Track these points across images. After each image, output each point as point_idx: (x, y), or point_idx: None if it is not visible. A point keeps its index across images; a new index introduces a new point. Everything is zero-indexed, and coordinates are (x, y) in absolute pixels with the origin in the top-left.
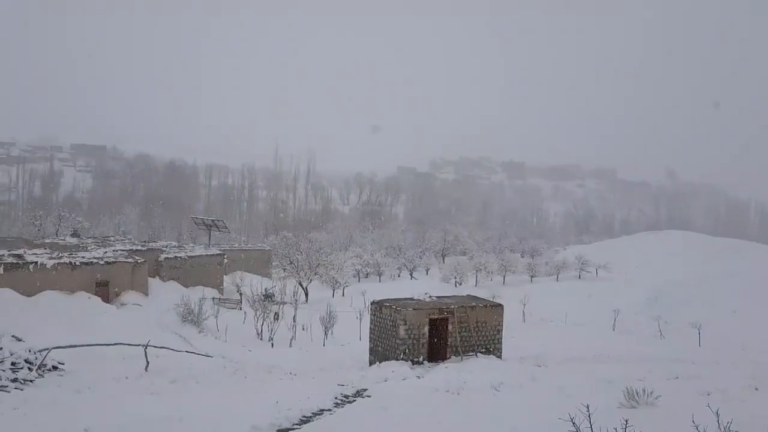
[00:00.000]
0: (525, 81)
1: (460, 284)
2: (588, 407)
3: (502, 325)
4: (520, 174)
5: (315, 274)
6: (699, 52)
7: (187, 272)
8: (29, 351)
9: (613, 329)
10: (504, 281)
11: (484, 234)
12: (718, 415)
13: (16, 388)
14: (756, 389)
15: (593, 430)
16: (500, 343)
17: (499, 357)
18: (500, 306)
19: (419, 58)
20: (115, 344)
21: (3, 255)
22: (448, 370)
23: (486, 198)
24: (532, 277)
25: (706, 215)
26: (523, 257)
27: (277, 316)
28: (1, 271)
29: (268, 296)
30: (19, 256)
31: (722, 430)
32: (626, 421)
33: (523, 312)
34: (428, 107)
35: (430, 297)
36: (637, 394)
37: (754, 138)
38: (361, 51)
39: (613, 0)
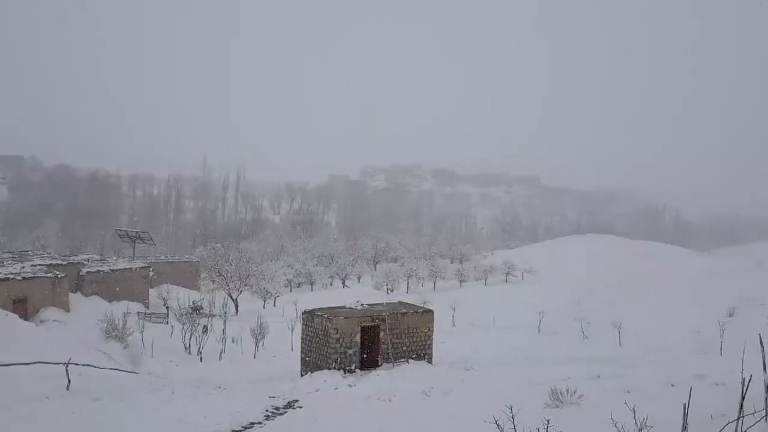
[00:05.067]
0: (452, 89)
1: (392, 291)
2: (512, 408)
3: (432, 331)
4: (449, 181)
5: (245, 285)
6: (619, 61)
7: (110, 286)
8: None
9: (539, 331)
10: (434, 287)
11: (415, 241)
12: (634, 411)
13: None
14: (672, 386)
15: (517, 431)
16: (431, 348)
17: (430, 362)
18: (430, 312)
19: (348, 66)
20: (34, 363)
21: None
22: (380, 378)
23: (416, 205)
24: (461, 282)
25: (625, 219)
26: (452, 263)
27: (205, 330)
28: None
29: (196, 309)
30: None
31: (638, 425)
32: (548, 421)
33: (453, 317)
34: (360, 115)
35: (361, 305)
36: (561, 394)
37: (670, 145)
38: (289, 60)
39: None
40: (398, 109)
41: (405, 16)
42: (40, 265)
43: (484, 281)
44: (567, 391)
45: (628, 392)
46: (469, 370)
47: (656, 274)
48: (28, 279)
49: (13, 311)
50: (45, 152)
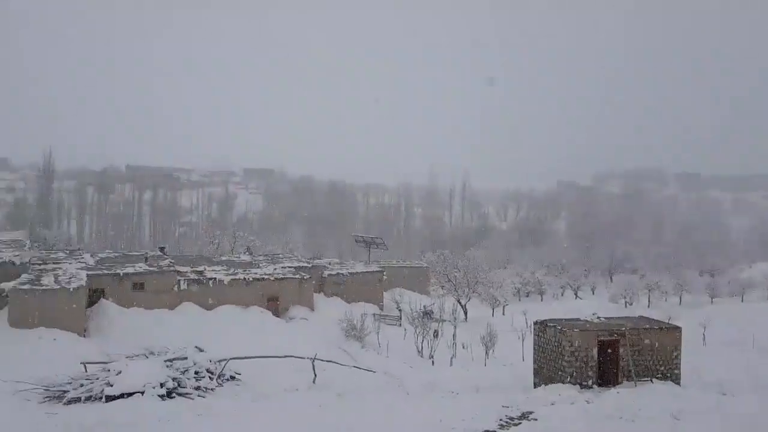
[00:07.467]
0: (697, 87)
1: (631, 305)
2: None
3: (680, 350)
4: (695, 186)
5: (473, 291)
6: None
7: (348, 288)
8: (210, 361)
9: None
10: (680, 302)
11: (656, 251)
12: None
13: (199, 396)
14: None
15: None
16: (678, 368)
17: (677, 383)
18: (678, 328)
19: (577, 68)
20: (286, 357)
21: (186, 272)
22: (621, 396)
23: (657, 212)
24: (712, 297)
25: None
26: (701, 276)
27: (436, 334)
28: (186, 287)
29: (427, 313)
30: (200, 273)
31: None
32: None
33: (704, 335)
34: (587, 121)
35: (598, 318)
36: None
37: None
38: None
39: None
40: (636, 111)
41: None
42: (288, 266)
43: (740, 297)
44: None
45: None
46: (725, 394)
47: None
48: (279, 279)
49: (267, 308)
50: (291, 165)
